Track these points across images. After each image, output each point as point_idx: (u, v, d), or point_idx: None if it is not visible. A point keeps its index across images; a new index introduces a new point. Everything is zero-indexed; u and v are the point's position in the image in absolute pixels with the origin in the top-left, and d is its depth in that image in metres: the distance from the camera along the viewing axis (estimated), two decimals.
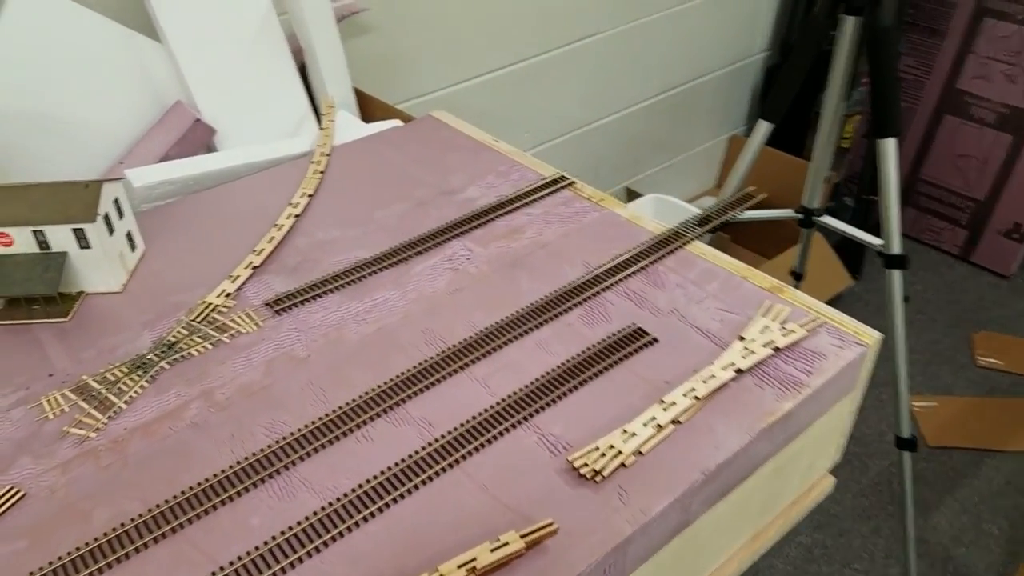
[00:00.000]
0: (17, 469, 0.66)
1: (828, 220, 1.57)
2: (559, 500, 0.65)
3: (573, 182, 1.07)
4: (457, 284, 0.89)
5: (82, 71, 1.08)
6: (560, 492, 0.66)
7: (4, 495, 0.63)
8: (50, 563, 0.59)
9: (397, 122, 1.26)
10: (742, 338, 0.80)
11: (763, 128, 1.48)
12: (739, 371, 0.76)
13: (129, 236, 0.88)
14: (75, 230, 0.80)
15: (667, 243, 0.95)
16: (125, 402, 0.73)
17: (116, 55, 1.11)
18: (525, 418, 0.73)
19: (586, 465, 0.68)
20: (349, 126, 1.25)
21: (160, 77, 1.16)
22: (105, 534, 0.61)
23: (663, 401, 0.73)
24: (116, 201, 0.85)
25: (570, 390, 0.76)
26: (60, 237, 0.81)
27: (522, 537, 0.61)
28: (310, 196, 1.02)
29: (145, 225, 0.97)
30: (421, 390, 0.75)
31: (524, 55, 1.92)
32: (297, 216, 0.98)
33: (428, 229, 0.97)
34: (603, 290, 0.88)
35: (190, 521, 0.63)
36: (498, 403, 0.74)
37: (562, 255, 0.93)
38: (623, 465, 0.68)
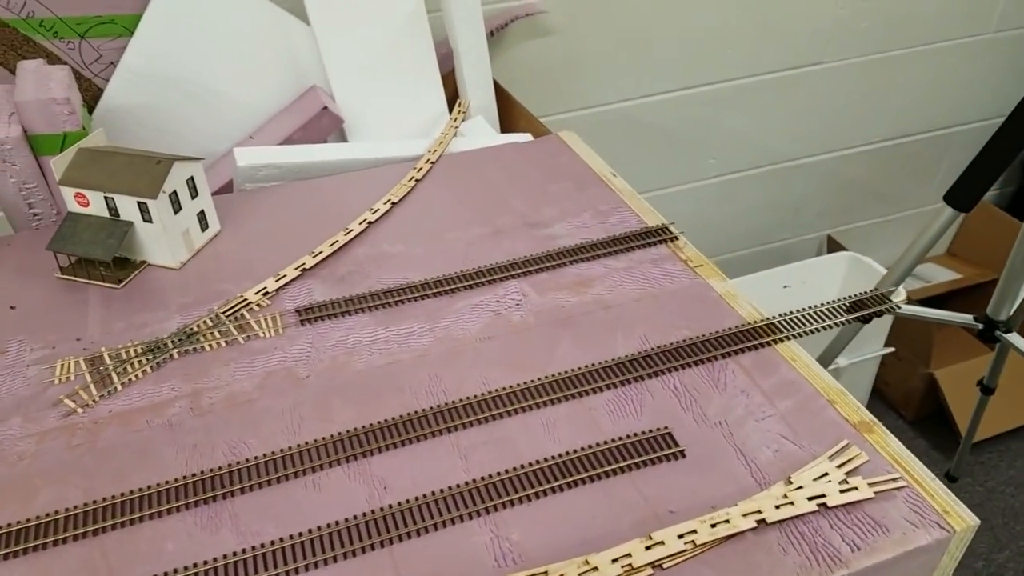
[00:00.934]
0: (5, 427, 0.70)
1: (1017, 340, 1.23)
2: None
3: (676, 237, 0.92)
4: (491, 331, 0.80)
5: (232, 45, 1.13)
6: None
7: None
8: None
9: (527, 136, 1.18)
10: (790, 481, 0.64)
11: (946, 214, 1.19)
12: (762, 522, 0.60)
13: (202, 215, 0.91)
14: (139, 203, 0.83)
15: (754, 336, 0.78)
16: (123, 384, 0.74)
17: (267, 33, 1.15)
18: (488, 510, 0.63)
19: None
20: (479, 133, 1.20)
21: (305, 60, 1.18)
22: (37, 517, 0.62)
23: (650, 537, 0.60)
24: (191, 180, 0.87)
25: (554, 489, 0.64)
26: (128, 207, 0.84)
27: None
28: (393, 204, 0.98)
29: (235, 205, 0.99)
30: (396, 444, 0.68)
31: (727, 75, 1.73)
32: (371, 223, 0.95)
33: (492, 262, 0.89)
34: (649, 375, 0.74)
35: (113, 528, 0.61)
36: (467, 483, 0.64)
37: (622, 322, 0.81)
38: None
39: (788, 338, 0.78)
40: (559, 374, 0.74)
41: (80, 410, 0.71)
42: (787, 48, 1.74)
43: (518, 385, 0.73)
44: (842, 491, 0.62)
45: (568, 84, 1.59)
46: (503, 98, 1.31)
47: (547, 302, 0.83)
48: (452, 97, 1.26)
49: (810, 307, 0.82)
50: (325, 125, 1.15)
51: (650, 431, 0.69)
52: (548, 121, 1.33)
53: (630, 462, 0.66)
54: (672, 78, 1.69)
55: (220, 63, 1.13)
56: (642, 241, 0.92)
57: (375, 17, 1.18)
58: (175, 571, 0.58)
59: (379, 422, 0.70)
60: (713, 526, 0.60)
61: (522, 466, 0.66)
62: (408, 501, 0.63)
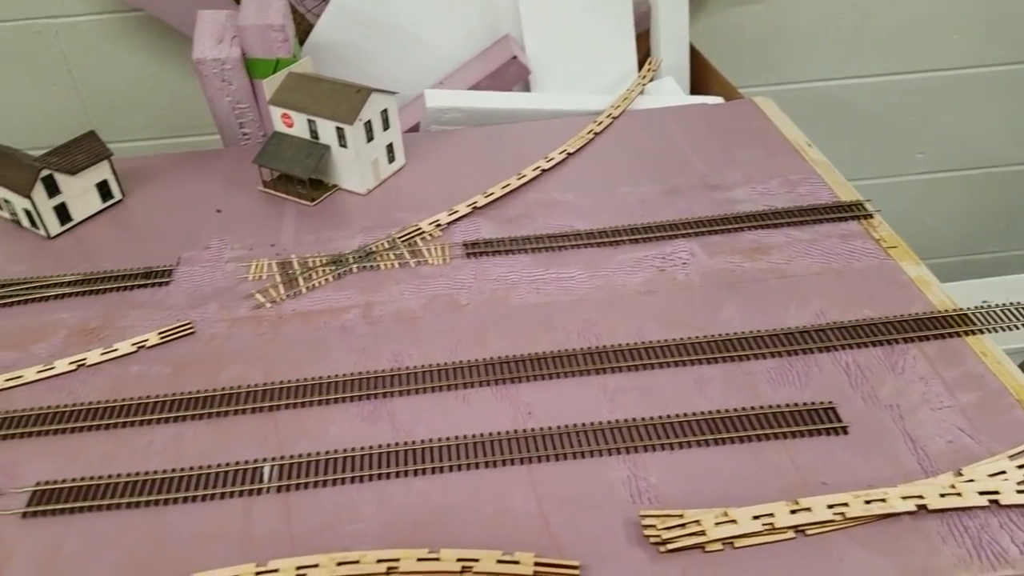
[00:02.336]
0: (203, 310, 0.81)
1: None
2: (605, 549, 0.58)
3: (870, 215, 0.89)
4: (653, 286, 0.81)
5: None
6: (612, 542, 0.58)
7: (181, 327, 0.78)
8: (172, 395, 0.71)
9: (717, 99, 1.17)
10: (960, 473, 0.61)
11: None
12: (923, 508, 0.58)
13: (391, 148, 0.99)
14: (337, 128, 0.92)
15: (943, 324, 0.74)
16: (307, 288, 0.83)
17: None
18: (628, 450, 0.65)
19: (654, 527, 0.59)
20: (666, 93, 1.21)
21: (501, 10, 1.24)
22: (223, 388, 0.72)
23: (797, 503, 0.59)
24: (384, 112, 0.95)
25: (698, 443, 0.65)
26: (326, 131, 0.94)
27: (536, 565, 0.57)
28: (569, 155, 1.02)
29: (420, 144, 1.07)
30: (544, 376, 0.72)
31: (947, 63, 1.61)
32: (544, 171, 0.99)
33: (663, 219, 0.90)
34: (820, 350, 0.73)
35: (286, 407, 0.70)
36: (610, 422, 0.67)
37: (797, 294, 0.79)
38: (701, 548, 0.57)
39: (982, 331, 0.74)
40: (719, 335, 0.75)
41: (268, 305, 0.81)
42: (1018, 40, 1.59)
43: (673, 340, 0.75)
44: (1019, 491, 0.58)
45: (768, 56, 1.55)
46: (698, 62, 1.30)
47: (716, 264, 0.84)
48: (644, 57, 1.27)
49: (1011, 303, 0.77)
50: (512, 74, 1.20)
51: (812, 404, 0.68)
52: (742, 93, 1.31)
53: (785, 430, 0.66)
54: (884, 61, 1.59)
55: (422, 8, 1.21)
56: (832, 215, 0.89)
57: None
58: (335, 451, 0.66)
59: (530, 354, 0.74)
60: (867, 503, 0.59)
61: (668, 416, 0.68)
62: (550, 428, 0.67)
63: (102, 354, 0.76)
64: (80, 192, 0.92)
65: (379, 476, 0.64)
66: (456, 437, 0.67)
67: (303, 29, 1.23)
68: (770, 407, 0.68)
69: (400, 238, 0.89)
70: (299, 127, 0.95)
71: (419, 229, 0.90)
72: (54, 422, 0.70)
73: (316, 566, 0.57)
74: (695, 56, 1.31)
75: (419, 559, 0.57)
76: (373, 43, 1.22)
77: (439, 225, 0.91)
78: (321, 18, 1.20)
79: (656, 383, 0.71)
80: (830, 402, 0.68)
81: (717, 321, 0.77)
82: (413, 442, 0.67)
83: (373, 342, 0.77)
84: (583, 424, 0.67)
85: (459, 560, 0.57)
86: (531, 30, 1.22)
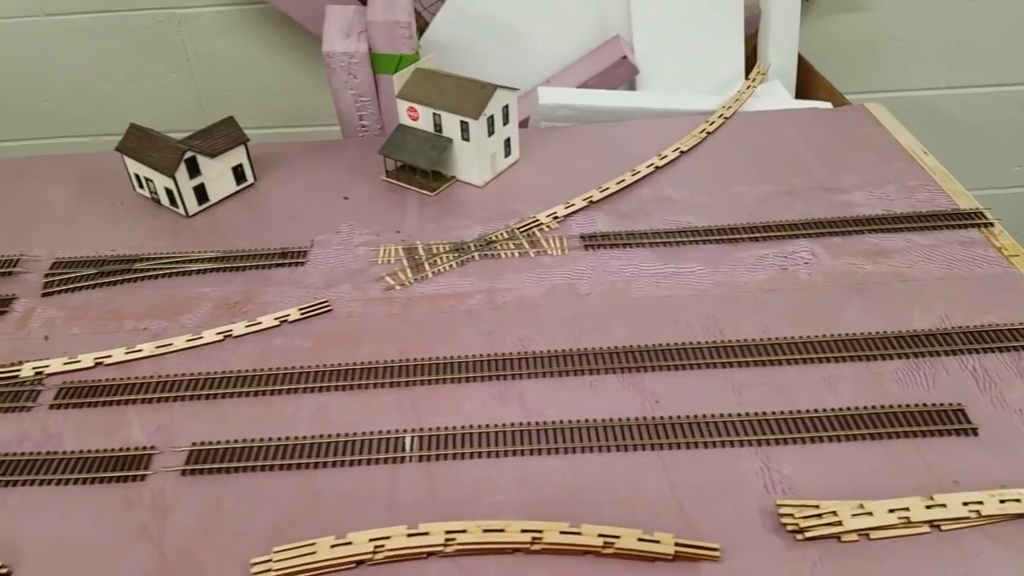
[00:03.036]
0: (338, 289, 0.86)
1: None
2: (741, 535, 0.60)
3: (991, 224, 0.89)
4: (776, 284, 0.83)
5: None
6: (748, 528, 0.60)
7: (320, 304, 0.83)
8: (315, 367, 0.76)
9: (826, 104, 1.18)
10: None
11: None
12: None
13: (508, 143, 1.02)
14: (462, 122, 0.96)
15: None
16: (433, 273, 0.87)
17: None
18: (760, 442, 0.67)
19: (792, 517, 0.60)
20: (774, 96, 1.22)
21: (612, 9, 1.27)
22: (360, 364, 0.76)
23: (932, 498, 0.60)
24: (505, 108, 0.99)
25: (830, 438, 0.67)
26: (451, 124, 0.98)
27: (677, 545, 0.59)
28: (682, 152, 1.04)
29: (531, 139, 1.10)
30: (668, 367, 0.74)
31: None
32: (657, 168, 1.01)
33: (781, 219, 0.91)
34: (946, 353, 0.74)
35: (420, 383, 0.74)
36: (739, 415, 0.69)
37: (921, 297, 0.80)
38: (837, 538, 0.59)
39: None
40: (846, 335, 0.76)
41: (398, 287, 0.85)
42: None
43: (800, 338, 0.76)
44: None
45: (870, 64, 1.54)
46: (802, 66, 1.31)
47: (839, 265, 0.85)
48: (748, 60, 1.28)
49: None
50: (621, 74, 1.23)
51: (941, 404, 0.69)
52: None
53: (916, 429, 0.67)
54: (988, 72, 1.57)
55: (534, 8, 1.25)
56: (952, 222, 0.90)
57: None
58: (471, 426, 0.69)
59: (653, 344, 0.76)
60: (1002, 502, 0.60)
61: (798, 411, 0.69)
62: (679, 417, 0.69)
63: (247, 327, 0.81)
64: (218, 174, 0.98)
65: (514, 453, 0.67)
66: (586, 420, 0.70)
67: (419, 26, 1.28)
68: (900, 406, 0.69)
69: (519, 229, 0.92)
70: (424, 120, 1.00)
71: (537, 221, 0.93)
72: (205, 387, 0.75)
73: (464, 531, 0.61)
74: (800, 61, 1.31)
75: (561, 532, 0.60)
76: (485, 42, 1.26)
77: (556, 217, 0.94)
78: (437, 16, 1.25)
79: (784, 379, 0.73)
80: (959, 404, 0.69)
81: (843, 321, 0.78)
82: (544, 423, 0.70)
83: (499, 326, 0.80)
84: (711, 415, 0.69)
85: (600, 536, 0.60)
86: (641, 30, 1.25)
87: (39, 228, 0.98)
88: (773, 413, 0.69)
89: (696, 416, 0.69)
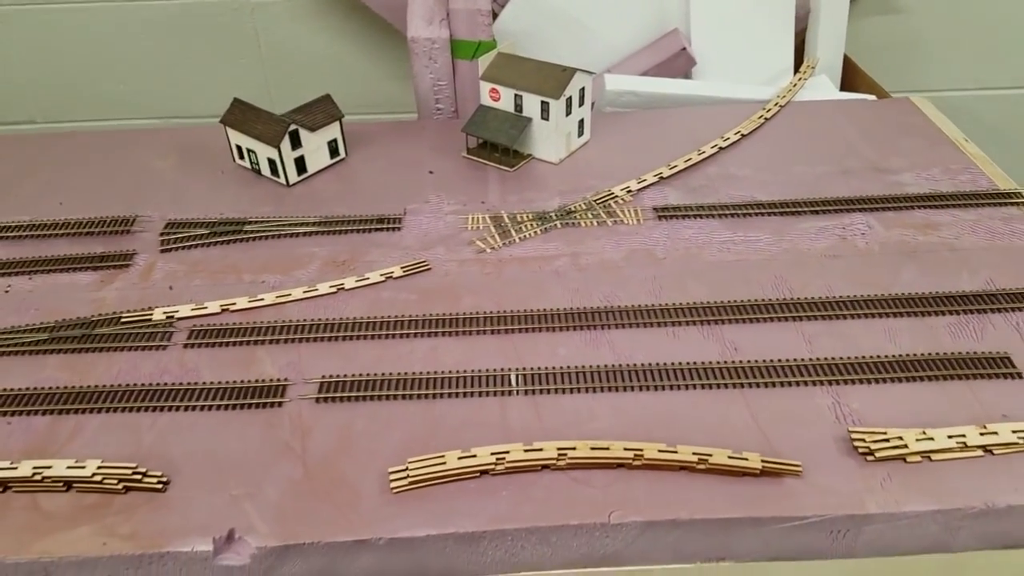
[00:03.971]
0: (433, 251, 0.96)
1: None
2: (818, 456, 0.70)
3: None
4: (837, 251, 0.93)
5: None
6: (824, 451, 0.70)
7: (420, 263, 0.93)
8: (423, 316, 0.86)
9: (871, 97, 1.28)
10: None
11: None
12: None
13: (581, 123, 1.13)
14: (542, 102, 1.07)
15: None
16: (520, 238, 0.97)
17: None
18: (830, 382, 0.77)
19: (863, 441, 0.70)
20: (821, 89, 1.32)
21: (670, 4, 1.37)
22: (463, 314, 0.86)
23: (985, 427, 0.70)
24: (582, 91, 1.09)
25: (892, 379, 0.77)
26: (531, 104, 1.08)
27: (763, 462, 0.69)
28: (743, 135, 1.14)
29: (601, 122, 1.20)
30: (745, 320, 0.84)
31: None
32: (722, 148, 1.12)
33: (838, 195, 1.02)
34: (993, 311, 0.84)
35: (518, 331, 0.84)
36: (812, 360, 0.79)
37: (968, 264, 0.90)
38: (903, 459, 0.69)
39: None
40: (902, 294, 0.86)
41: (488, 250, 0.96)
42: None
43: (861, 296, 0.86)
44: None
45: (907, 64, 1.64)
46: (846, 63, 1.41)
47: (892, 236, 0.95)
48: (795, 56, 1.39)
49: None
50: (680, 65, 1.33)
51: (989, 352, 0.79)
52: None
53: (968, 372, 0.77)
54: (1019, 74, 1.67)
55: (597, 2, 1.35)
56: (993, 200, 1.00)
57: None
58: (566, 367, 0.79)
59: (729, 301, 0.86)
60: None
61: (863, 356, 0.79)
62: (757, 361, 0.79)
63: (356, 281, 0.91)
64: (316, 147, 1.08)
65: (610, 388, 0.77)
66: (673, 363, 0.80)
67: None
68: (953, 353, 0.79)
69: (596, 200, 1.02)
70: (505, 101, 1.10)
71: (612, 194, 1.03)
72: (327, 331, 0.85)
73: (574, 448, 0.71)
74: (844, 58, 1.42)
75: (660, 450, 0.70)
76: (549, 33, 1.37)
77: (630, 191, 1.04)
78: (506, 7, 1.35)
79: (849, 331, 0.83)
80: (1006, 352, 0.79)
81: (899, 282, 0.88)
82: (634, 364, 0.80)
83: (584, 285, 0.90)
84: (786, 359, 0.79)
85: (695, 453, 0.70)
86: (699, 25, 1.35)
87: (148, 193, 1.08)
88: (841, 358, 0.79)
89: (772, 360, 0.79)
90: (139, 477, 0.71)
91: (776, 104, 1.21)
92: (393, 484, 0.69)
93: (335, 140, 1.11)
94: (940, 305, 0.85)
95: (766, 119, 1.18)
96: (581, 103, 1.10)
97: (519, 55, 1.12)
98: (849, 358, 0.79)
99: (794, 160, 1.09)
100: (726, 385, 0.77)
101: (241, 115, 1.08)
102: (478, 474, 0.70)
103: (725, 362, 0.80)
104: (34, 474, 0.70)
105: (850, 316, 0.84)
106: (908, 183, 1.04)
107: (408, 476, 0.70)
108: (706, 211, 1.00)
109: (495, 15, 1.37)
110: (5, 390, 0.80)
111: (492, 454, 0.71)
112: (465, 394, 0.78)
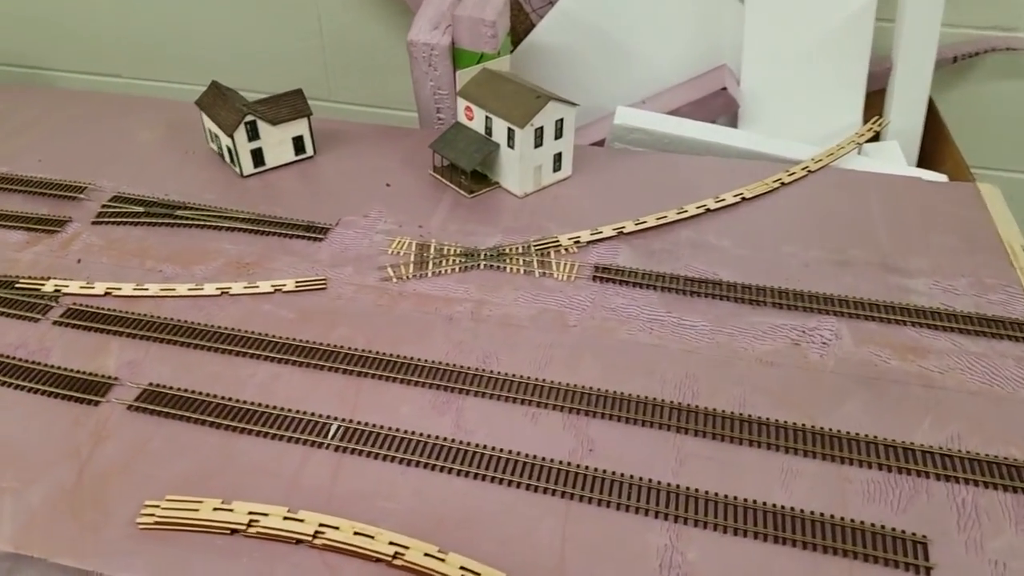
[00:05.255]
0: (341, 270, 0.90)
1: None
2: None
3: None
4: (778, 359, 0.78)
5: (661, 8, 1.23)
6: None
7: (317, 280, 0.88)
8: (284, 339, 0.81)
9: (941, 177, 1.08)
10: None
11: None
12: None
13: (558, 157, 1.02)
14: (508, 129, 0.97)
15: None
16: (434, 272, 0.89)
17: (697, 4, 1.22)
18: (675, 519, 0.64)
19: None
20: (886, 158, 1.13)
21: (725, 38, 1.22)
22: (325, 344, 0.80)
23: None
24: (559, 122, 0.99)
25: (757, 535, 0.62)
26: (499, 130, 0.99)
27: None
28: (743, 199, 0.99)
29: (596, 158, 1.09)
30: (616, 418, 0.72)
31: None
32: (709, 210, 0.97)
33: (815, 289, 0.85)
34: (939, 477, 0.66)
35: (370, 376, 0.76)
36: (674, 486, 0.66)
37: (939, 409, 0.72)
38: None
39: None
40: (829, 430, 0.70)
41: (395, 280, 0.88)
42: None
43: (775, 420, 0.71)
44: None
45: (1014, 140, 1.38)
46: (937, 132, 1.20)
47: (858, 353, 0.78)
48: (872, 117, 1.20)
49: None
50: (718, 106, 1.19)
51: (903, 532, 0.62)
52: (982, 175, 1.18)
53: (860, 550, 0.61)
54: None
55: (643, 24, 1.23)
56: (1018, 333, 0.79)
57: (816, 9, 1.17)
58: (395, 429, 0.71)
59: (617, 392, 0.74)
60: None
61: (733, 497, 0.65)
62: (612, 473, 0.67)
63: (244, 287, 0.87)
64: (277, 142, 1.06)
65: (423, 466, 0.68)
66: (509, 451, 0.69)
67: (524, 28, 1.30)
68: (852, 521, 0.63)
69: (536, 246, 0.92)
70: (477, 122, 1.02)
71: (557, 242, 0.93)
72: (182, 335, 0.82)
73: (337, 528, 0.63)
74: (935, 124, 1.20)
75: (425, 554, 0.61)
76: (588, 51, 1.26)
77: (578, 242, 0.93)
78: (543, 20, 1.26)
79: (737, 459, 0.68)
80: (924, 536, 0.62)
81: (835, 414, 0.72)
82: (467, 444, 0.70)
83: (470, 339, 0.81)
84: (644, 479, 0.67)
85: (461, 568, 0.60)
86: (752, 63, 1.20)
87: (116, 162, 1.10)
88: (703, 492, 0.65)
89: (623, 475, 0.67)
90: None
91: (805, 168, 1.04)
92: (140, 519, 0.65)
93: (301, 137, 1.07)
94: (871, 454, 0.68)
95: (783, 184, 1.02)
96: (559, 135, 1.00)
97: (505, 74, 1.03)
98: (714, 494, 0.65)
99: (787, 238, 0.93)
100: (553, 491, 0.66)
101: (213, 98, 1.06)
102: (229, 531, 0.64)
103: (568, 464, 0.68)
104: None
105: (748, 442, 0.69)
106: (917, 291, 0.85)
107: (156, 515, 0.65)
108: (648, 281, 0.87)
109: (532, 26, 1.29)
110: None
111: (249, 513, 0.64)
112: (273, 436, 0.71)
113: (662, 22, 1.23)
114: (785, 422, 0.71)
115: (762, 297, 0.85)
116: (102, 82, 1.77)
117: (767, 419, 0.71)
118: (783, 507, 0.64)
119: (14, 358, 0.80)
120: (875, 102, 1.21)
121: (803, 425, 0.71)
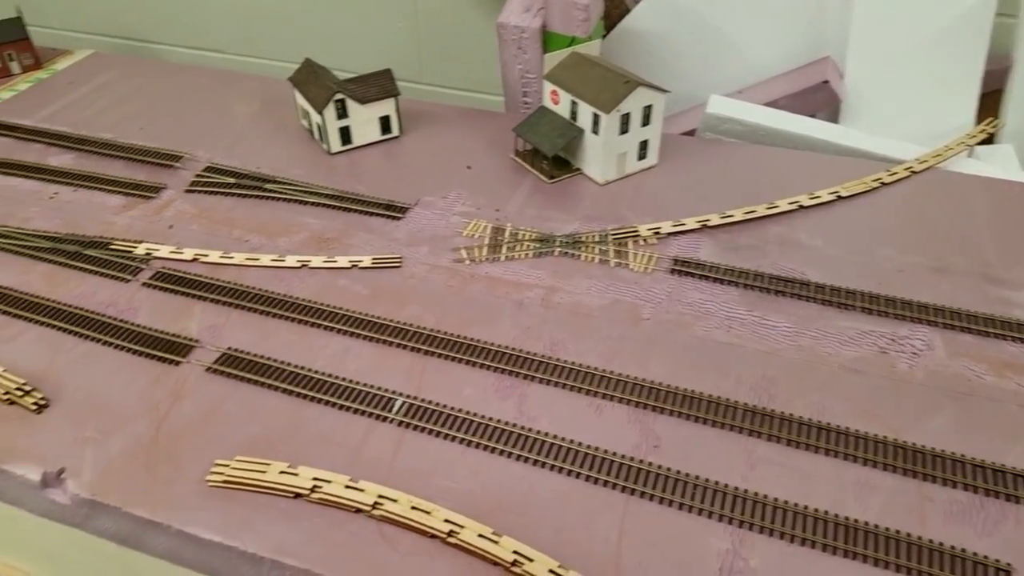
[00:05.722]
0: (416, 249, 0.91)
1: None
2: None
3: None
4: (864, 366, 0.74)
5: None
6: None
7: (393, 258, 0.89)
8: (356, 313, 0.82)
9: None
10: None
11: None
12: None
13: (644, 145, 1.00)
14: (594, 114, 0.96)
15: None
16: (507, 257, 0.89)
17: None
18: (740, 523, 0.62)
19: None
20: (999, 162, 1.06)
21: (829, 30, 1.17)
22: (395, 321, 0.81)
23: None
24: (648, 109, 0.97)
25: (824, 547, 0.60)
26: (584, 115, 0.98)
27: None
28: (839, 198, 0.95)
29: (685, 148, 1.06)
30: (683, 416, 0.70)
31: None
32: (802, 207, 0.93)
33: (909, 296, 0.81)
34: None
35: (435, 356, 0.77)
36: (744, 490, 0.64)
37: None
38: None
39: None
40: (913, 444, 0.67)
41: (467, 262, 0.89)
42: None
43: (855, 431, 0.68)
44: None
45: None
46: None
47: (952, 366, 0.73)
48: (985, 119, 1.13)
49: None
50: (819, 100, 1.14)
51: (984, 558, 0.58)
52: None
53: (934, 571, 0.57)
54: None
55: (744, 12, 1.19)
56: None
57: (931, 2, 1.11)
58: (457, 409, 0.71)
59: (688, 389, 0.72)
60: None
61: (803, 506, 0.62)
62: (676, 472, 0.65)
63: (324, 261, 0.89)
64: (364, 121, 1.07)
65: (486, 448, 0.68)
66: (571, 440, 0.69)
67: (619, 12, 1.28)
68: (931, 542, 0.60)
69: (613, 235, 0.91)
70: (563, 106, 1.01)
71: (636, 232, 0.91)
72: (261, 303, 0.84)
73: (395, 501, 0.64)
74: None
75: (480, 535, 0.61)
76: (683, 39, 1.23)
77: (658, 233, 0.91)
78: (640, 4, 1.24)
79: (811, 468, 0.66)
80: (1008, 564, 0.58)
81: (920, 429, 0.68)
82: (529, 429, 0.70)
83: (538, 325, 0.80)
84: (716, 482, 0.65)
85: (514, 552, 0.60)
86: (857, 56, 1.15)
87: (212, 134, 1.14)
88: (772, 499, 0.63)
89: (698, 477, 0.65)
90: (22, 394, 0.75)
91: (908, 169, 0.99)
92: (210, 477, 0.67)
93: (388, 117, 1.08)
94: (958, 473, 0.64)
95: (883, 184, 0.97)
96: (646, 122, 0.98)
97: (594, 58, 1.01)
98: (783, 502, 0.63)
99: (883, 241, 0.89)
100: (613, 485, 0.65)
101: (306, 76, 1.09)
102: (293, 495, 0.65)
103: (631, 458, 0.67)
104: None
105: (823, 450, 0.67)
106: (1021, 305, 0.80)
107: (225, 474, 0.67)
108: (731, 277, 0.84)
109: (627, 11, 1.27)
110: None
111: (313, 479, 0.66)
112: (340, 406, 0.73)
113: (763, 10, 1.19)
114: (865, 433, 0.68)
115: (851, 301, 0.81)
116: (205, 56, 1.84)
117: (846, 428, 0.68)
118: (856, 520, 0.62)
119: (104, 315, 0.84)
120: (991, 103, 1.14)
121: (884, 437, 0.68)
